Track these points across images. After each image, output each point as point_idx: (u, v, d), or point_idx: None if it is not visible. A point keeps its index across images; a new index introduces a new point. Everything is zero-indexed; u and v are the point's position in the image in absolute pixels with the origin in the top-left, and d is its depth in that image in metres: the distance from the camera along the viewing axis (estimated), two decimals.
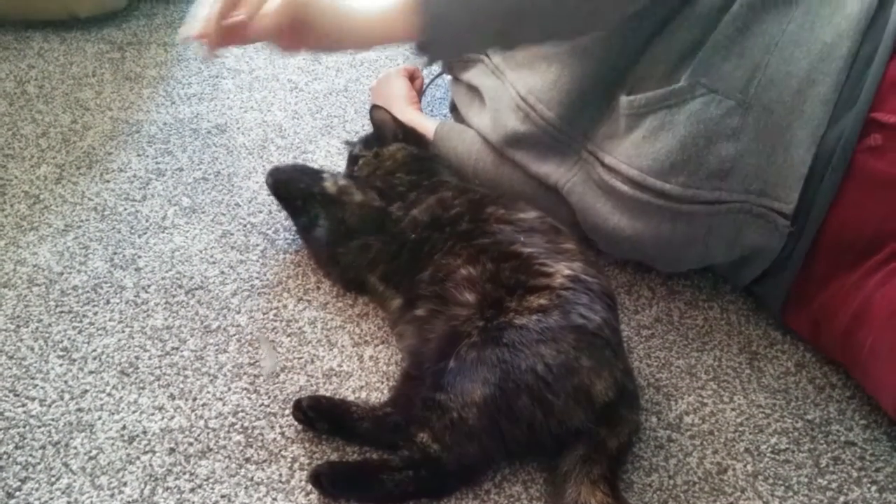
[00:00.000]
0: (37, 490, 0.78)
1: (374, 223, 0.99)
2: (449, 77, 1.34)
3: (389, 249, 0.98)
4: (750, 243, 0.95)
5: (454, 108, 1.32)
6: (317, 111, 1.40)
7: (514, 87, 1.07)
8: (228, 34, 0.77)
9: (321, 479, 0.78)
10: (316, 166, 1.14)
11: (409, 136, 1.14)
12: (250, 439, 0.84)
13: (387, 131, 1.13)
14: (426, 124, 1.23)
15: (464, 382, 0.78)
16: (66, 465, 0.80)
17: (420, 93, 1.36)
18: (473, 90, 1.20)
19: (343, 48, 0.87)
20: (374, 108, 1.15)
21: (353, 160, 1.13)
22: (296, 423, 0.85)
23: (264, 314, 0.99)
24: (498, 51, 0.96)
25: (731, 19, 0.93)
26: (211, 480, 0.80)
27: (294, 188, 1.05)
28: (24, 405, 0.86)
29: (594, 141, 1.02)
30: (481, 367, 0.78)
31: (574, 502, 0.76)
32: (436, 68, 1.41)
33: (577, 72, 1.01)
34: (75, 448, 0.82)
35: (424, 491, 0.78)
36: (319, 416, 0.84)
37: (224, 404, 0.88)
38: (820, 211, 0.90)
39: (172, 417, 0.86)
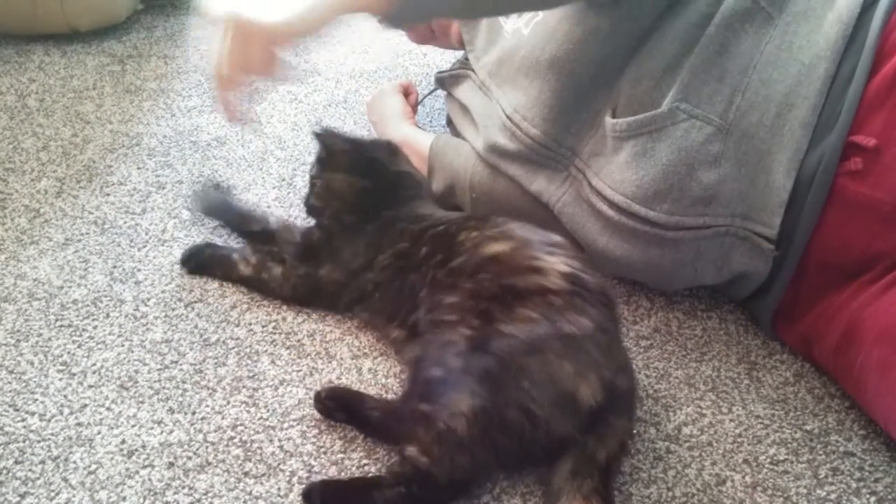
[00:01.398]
0: None
1: (304, 291, 0.99)
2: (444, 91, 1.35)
3: (345, 303, 0.98)
4: (737, 267, 0.95)
5: (451, 122, 1.33)
6: (316, 123, 1.41)
7: (499, 105, 1.08)
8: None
9: (312, 496, 0.78)
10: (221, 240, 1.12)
11: (374, 155, 1.06)
12: (249, 453, 0.84)
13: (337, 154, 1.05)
14: (421, 139, 1.24)
15: (450, 392, 0.77)
16: (65, 479, 0.81)
17: (415, 108, 1.36)
18: (463, 106, 1.21)
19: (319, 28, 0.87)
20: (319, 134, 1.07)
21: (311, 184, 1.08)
22: (294, 437, 0.86)
23: (263, 327, 0.99)
24: (466, 17, 0.95)
25: (708, 41, 0.93)
26: (210, 495, 0.80)
27: (211, 273, 1.05)
28: (23, 420, 0.86)
29: (582, 157, 1.02)
30: (468, 377, 0.77)
31: None
32: (430, 84, 1.42)
33: (558, 87, 1.01)
34: (75, 463, 0.82)
35: None
36: (337, 405, 0.85)
37: (223, 418, 0.88)
38: (803, 235, 0.90)
39: (171, 431, 0.86)
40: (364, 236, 0.98)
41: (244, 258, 1.02)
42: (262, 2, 0.83)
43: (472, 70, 1.18)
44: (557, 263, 0.84)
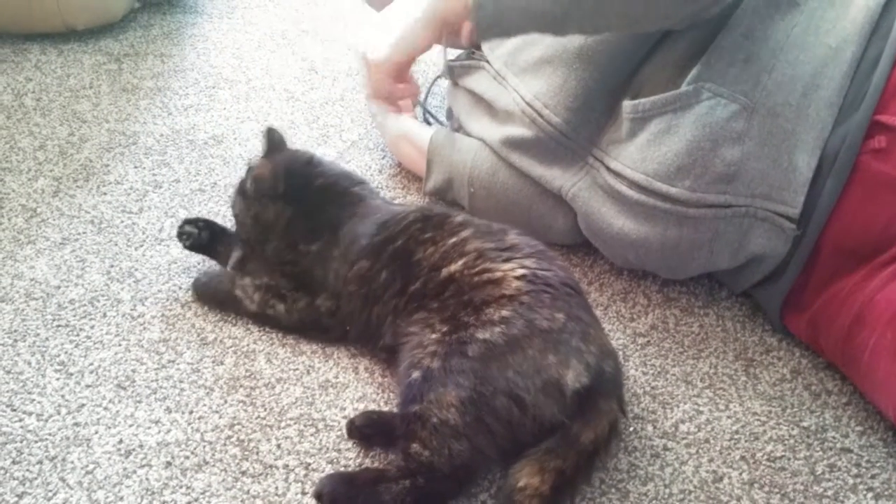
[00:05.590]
0: None
1: (309, 322, 0.97)
2: (445, 84, 1.34)
3: (335, 335, 0.97)
4: (755, 249, 0.95)
5: (451, 116, 1.32)
6: (313, 120, 1.41)
7: (517, 93, 1.07)
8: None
9: (323, 496, 0.78)
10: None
11: (291, 175, 1.00)
12: (246, 452, 0.84)
13: (265, 188, 0.99)
14: (421, 132, 1.23)
15: (436, 388, 0.78)
16: (63, 479, 0.81)
17: (415, 102, 1.36)
18: (473, 96, 1.20)
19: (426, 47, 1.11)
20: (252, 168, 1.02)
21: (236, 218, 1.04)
22: (291, 435, 0.86)
23: (260, 326, 0.99)
24: (553, 34, 1.00)
25: (736, 24, 0.94)
26: (207, 494, 0.80)
27: (222, 309, 1.01)
28: (21, 420, 0.86)
29: (600, 146, 1.02)
30: (451, 374, 0.78)
31: (511, 480, 0.76)
32: (431, 76, 1.42)
33: (584, 76, 1.01)
34: (72, 462, 0.82)
35: (423, 499, 0.78)
36: (374, 430, 0.85)
37: (220, 417, 0.88)
38: (822, 214, 0.91)
39: (169, 431, 0.86)
40: (335, 260, 0.96)
41: (246, 293, 0.98)
42: (374, 43, 1.12)
43: (486, 61, 1.18)
44: (513, 269, 0.85)
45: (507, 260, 0.86)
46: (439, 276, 0.87)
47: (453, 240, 0.90)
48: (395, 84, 1.16)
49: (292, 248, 0.98)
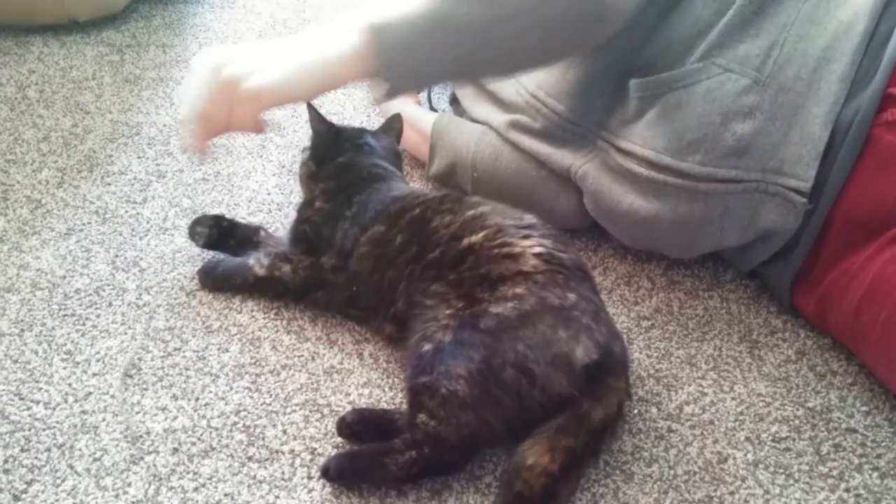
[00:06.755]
0: (43, 492, 0.79)
1: (314, 281, 0.98)
2: None
3: (342, 297, 0.98)
4: (765, 224, 0.94)
5: (454, 101, 1.32)
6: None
7: (521, 84, 1.07)
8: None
9: (330, 471, 0.79)
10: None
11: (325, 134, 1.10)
12: (252, 438, 0.85)
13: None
14: (424, 118, 1.23)
15: (445, 360, 0.78)
16: (71, 466, 0.81)
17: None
18: (477, 84, 1.20)
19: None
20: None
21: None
22: (297, 421, 0.86)
23: (265, 313, 1.00)
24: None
25: (747, 2, 0.93)
26: (214, 479, 0.81)
27: (232, 284, 1.03)
28: (28, 408, 0.87)
29: (608, 129, 1.02)
30: (462, 347, 0.79)
31: (518, 458, 0.77)
32: None
33: (586, 63, 1.01)
34: (80, 450, 0.83)
35: (430, 469, 0.79)
36: (365, 427, 0.84)
37: (226, 403, 0.88)
38: (834, 188, 0.90)
39: (175, 418, 0.87)
40: (345, 220, 0.98)
41: (258, 261, 1.01)
42: (250, 62, 0.81)
43: None
44: (531, 246, 0.86)
45: (527, 237, 0.87)
46: (459, 246, 0.88)
47: (472, 212, 0.92)
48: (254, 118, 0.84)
49: (309, 205, 1.04)
